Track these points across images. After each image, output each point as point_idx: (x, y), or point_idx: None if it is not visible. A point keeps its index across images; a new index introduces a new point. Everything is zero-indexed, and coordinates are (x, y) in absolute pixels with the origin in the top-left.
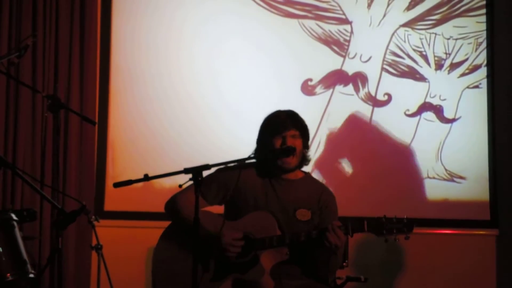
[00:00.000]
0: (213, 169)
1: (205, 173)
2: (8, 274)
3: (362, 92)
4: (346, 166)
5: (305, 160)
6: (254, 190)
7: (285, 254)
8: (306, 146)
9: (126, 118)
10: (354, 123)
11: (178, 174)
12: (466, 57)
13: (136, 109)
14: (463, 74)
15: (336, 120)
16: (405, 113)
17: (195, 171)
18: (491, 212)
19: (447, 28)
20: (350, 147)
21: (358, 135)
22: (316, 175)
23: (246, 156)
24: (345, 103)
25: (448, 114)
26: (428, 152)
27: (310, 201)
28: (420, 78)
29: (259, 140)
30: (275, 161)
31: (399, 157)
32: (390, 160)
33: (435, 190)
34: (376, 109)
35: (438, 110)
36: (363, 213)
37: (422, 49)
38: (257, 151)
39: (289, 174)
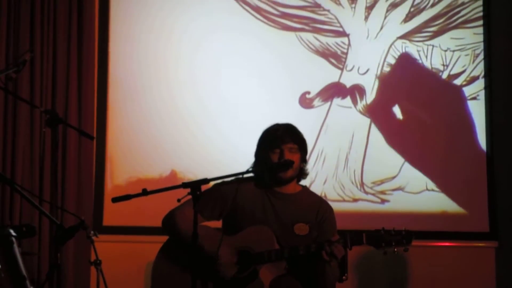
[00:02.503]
0: (211, 183)
1: (204, 187)
2: None
3: (360, 105)
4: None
5: (303, 174)
6: (252, 205)
7: (283, 268)
8: (304, 160)
9: (125, 132)
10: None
11: (176, 189)
12: (464, 68)
13: (134, 123)
14: (460, 86)
15: (334, 133)
16: None
17: (194, 186)
18: (490, 224)
19: (444, 40)
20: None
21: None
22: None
23: (244, 169)
24: (343, 116)
25: None
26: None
27: (308, 215)
28: None
29: (257, 154)
30: (273, 175)
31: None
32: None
33: (434, 202)
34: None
35: None
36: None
37: (420, 61)
38: (256, 165)
39: (287, 188)
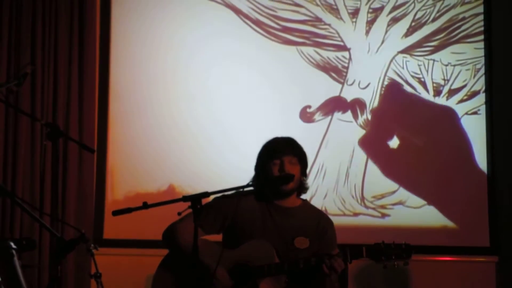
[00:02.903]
0: (211, 197)
1: (204, 200)
2: None
3: (361, 119)
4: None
5: (303, 188)
6: (252, 219)
7: (284, 282)
8: (304, 174)
9: (125, 145)
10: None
11: (177, 202)
12: (465, 83)
13: (135, 137)
14: (461, 100)
15: (335, 147)
16: None
17: (194, 199)
18: (490, 239)
19: (445, 55)
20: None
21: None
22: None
23: (244, 183)
24: (344, 130)
25: None
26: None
27: (308, 228)
28: None
29: (257, 167)
30: (274, 188)
31: None
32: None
33: (434, 216)
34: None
35: None
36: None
37: (421, 76)
38: (256, 178)
39: (287, 201)
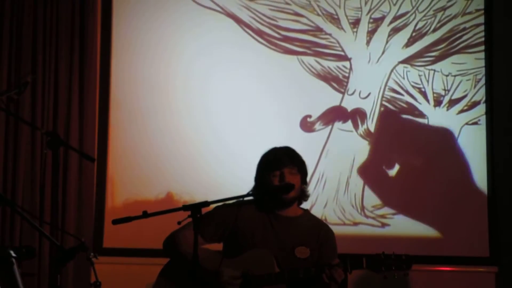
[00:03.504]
0: (211, 206)
1: (204, 210)
2: None
3: (361, 129)
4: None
5: (304, 196)
6: (252, 228)
7: None
8: (304, 182)
9: (126, 154)
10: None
11: (177, 211)
12: (465, 93)
13: (136, 146)
14: (462, 111)
15: (335, 157)
16: None
17: (194, 208)
18: (490, 249)
19: (446, 65)
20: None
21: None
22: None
23: (244, 192)
24: (344, 140)
25: None
26: None
27: (309, 238)
28: (419, 114)
29: (257, 178)
30: (275, 197)
31: None
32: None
33: None
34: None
35: None
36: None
37: (421, 86)
38: (256, 189)
39: (288, 211)
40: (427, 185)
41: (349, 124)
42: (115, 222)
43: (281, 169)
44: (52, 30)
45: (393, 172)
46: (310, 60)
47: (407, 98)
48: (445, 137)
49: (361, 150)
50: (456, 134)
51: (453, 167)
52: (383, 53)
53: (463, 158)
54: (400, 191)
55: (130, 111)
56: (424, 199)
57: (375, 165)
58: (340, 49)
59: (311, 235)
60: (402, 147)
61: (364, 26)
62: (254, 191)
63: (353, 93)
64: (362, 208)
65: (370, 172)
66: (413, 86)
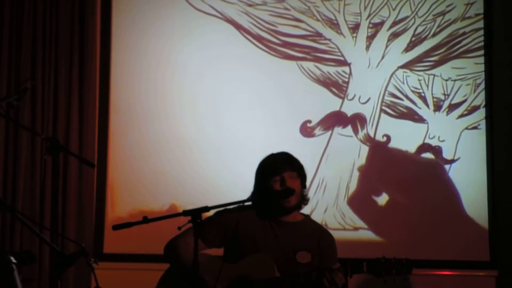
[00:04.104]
0: (212, 211)
1: (205, 215)
2: None
3: (361, 134)
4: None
5: (304, 200)
6: (253, 233)
7: None
8: (304, 186)
9: (126, 159)
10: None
11: (177, 216)
12: (465, 98)
13: (135, 151)
14: (462, 115)
15: (335, 162)
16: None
17: (194, 213)
18: (490, 253)
19: (446, 70)
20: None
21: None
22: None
23: (245, 198)
24: (344, 145)
25: (447, 155)
26: None
27: (310, 243)
28: (419, 119)
29: (257, 184)
30: (276, 203)
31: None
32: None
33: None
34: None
35: (437, 151)
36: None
37: (421, 90)
38: (255, 194)
39: (289, 216)
40: (417, 218)
41: (349, 129)
42: (116, 227)
43: (281, 174)
44: (51, 37)
45: (382, 202)
46: (309, 65)
47: (406, 103)
48: (435, 169)
49: (361, 155)
50: (456, 140)
51: (443, 198)
52: (382, 58)
53: (454, 189)
54: (391, 223)
55: (130, 116)
56: (412, 232)
57: (364, 196)
58: (339, 54)
59: (312, 240)
60: (391, 179)
61: (363, 31)
62: (254, 196)
63: (353, 98)
64: None
65: (360, 203)
66: (412, 91)
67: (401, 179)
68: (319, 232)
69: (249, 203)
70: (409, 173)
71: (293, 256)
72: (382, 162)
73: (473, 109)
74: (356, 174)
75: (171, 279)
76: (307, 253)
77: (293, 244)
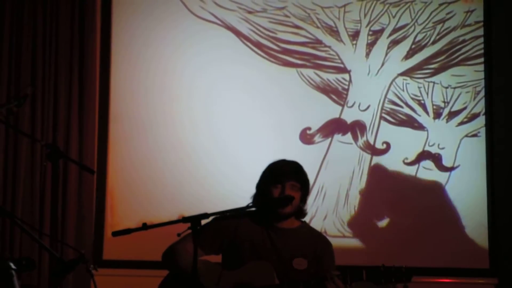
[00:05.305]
0: (211, 218)
1: (203, 222)
2: None
3: (361, 141)
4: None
5: (301, 213)
6: (251, 240)
7: None
8: (304, 200)
9: (125, 166)
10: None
11: (176, 223)
12: (465, 105)
13: (135, 158)
14: (461, 123)
15: (335, 169)
16: (403, 161)
17: (194, 220)
18: (490, 261)
19: (445, 77)
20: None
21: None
22: None
23: (244, 204)
24: (343, 152)
25: (446, 162)
26: None
27: (306, 250)
28: (419, 126)
29: (259, 186)
30: (272, 210)
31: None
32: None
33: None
34: (374, 157)
35: (436, 159)
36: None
37: (421, 98)
38: (256, 197)
39: (286, 223)
40: (417, 239)
41: (348, 137)
42: (115, 234)
43: (283, 183)
44: (51, 43)
45: (383, 224)
46: (309, 72)
47: (406, 110)
48: (435, 190)
49: (361, 162)
50: (455, 147)
51: (443, 217)
52: (382, 65)
53: (454, 210)
54: (391, 245)
55: (130, 123)
56: (413, 253)
57: (364, 218)
58: (339, 61)
59: (309, 247)
60: (393, 202)
61: (363, 39)
62: (253, 199)
63: (352, 105)
64: None
65: (360, 225)
66: (412, 98)
67: (400, 188)
68: (316, 239)
69: (248, 210)
70: (408, 182)
71: (289, 263)
72: (383, 185)
73: (473, 117)
74: (356, 180)
75: (170, 285)
76: (303, 260)
77: (290, 251)
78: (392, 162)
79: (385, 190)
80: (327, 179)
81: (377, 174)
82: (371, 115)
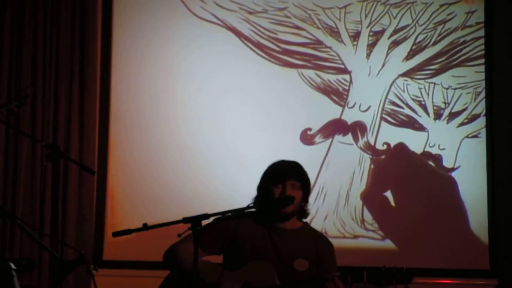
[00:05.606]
0: (212, 219)
1: (204, 222)
2: None
3: (361, 142)
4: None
5: (303, 213)
6: (252, 240)
7: None
8: (305, 200)
9: (126, 166)
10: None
11: (177, 224)
12: (465, 106)
13: (136, 158)
14: (462, 124)
15: (335, 170)
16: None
17: (194, 221)
18: (490, 262)
19: (446, 78)
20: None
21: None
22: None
23: (245, 205)
24: (344, 153)
25: (447, 163)
26: None
27: (307, 251)
28: (419, 127)
29: (260, 187)
30: (273, 210)
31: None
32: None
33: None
34: (375, 158)
35: (437, 160)
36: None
37: (421, 99)
38: (257, 198)
39: (287, 224)
40: (423, 225)
41: (349, 137)
42: (115, 234)
43: (284, 182)
44: (52, 44)
45: (392, 203)
46: (310, 73)
47: (407, 111)
48: (448, 184)
49: (361, 163)
50: (456, 148)
51: (452, 214)
52: (383, 66)
53: (463, 207)
54: (399, 225)
55: (131, 123)
56: (420, 241)
57: (375, 191)
58: (340, 62)
59: (310, 248)
60: (406, 185)
61: (364, 39)
62: (255, 200)
63: (353, 106)
64: (362, 221)
65: (370, 197)
66: (413, 99)
67: (414, 187)
68: (317, 240)
69: (249, 210)
70: (423, 182)
71: (290, 264)
72: (401, 166)
73: (473, 118)
74: (356, 180)
75: (171, 286)
76: (304, 261)
77: (291, 252)
78: (393, 162)
79: (385, 190)
80: (328, 180)
81: (378, 174)
82: (371, 116)
